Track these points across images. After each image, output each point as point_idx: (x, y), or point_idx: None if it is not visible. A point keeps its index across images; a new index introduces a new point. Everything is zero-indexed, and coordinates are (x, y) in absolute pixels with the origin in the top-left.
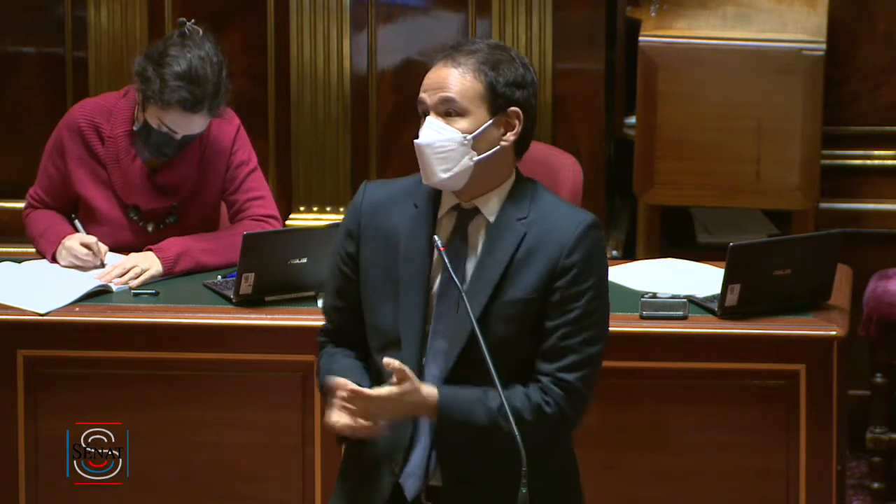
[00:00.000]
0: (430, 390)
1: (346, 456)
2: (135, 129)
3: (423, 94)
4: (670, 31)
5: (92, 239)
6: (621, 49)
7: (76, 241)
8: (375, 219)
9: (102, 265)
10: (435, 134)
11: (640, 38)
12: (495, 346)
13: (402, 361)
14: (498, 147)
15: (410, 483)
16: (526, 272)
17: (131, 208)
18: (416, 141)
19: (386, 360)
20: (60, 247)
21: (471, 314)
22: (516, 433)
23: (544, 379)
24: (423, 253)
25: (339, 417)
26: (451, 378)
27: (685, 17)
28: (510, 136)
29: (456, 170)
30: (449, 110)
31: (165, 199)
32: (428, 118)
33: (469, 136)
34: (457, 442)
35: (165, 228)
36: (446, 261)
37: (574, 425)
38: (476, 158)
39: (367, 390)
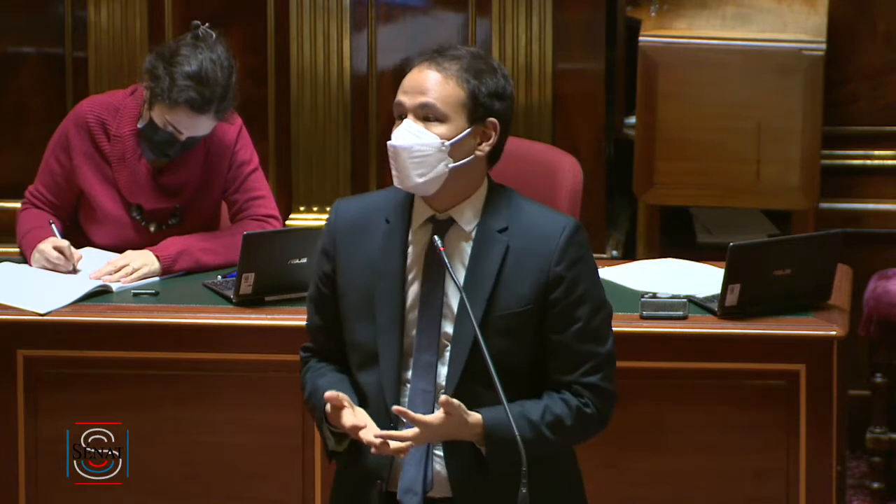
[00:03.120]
0: (475, 416)
1: (337, 474)
2: (140, 126)
3: (401, 97)
4: (670, 31)
5: (65, 243)
6: (621, 49)
7: (49, 245)
8: (349, 238)
9: (75, 270)
10: (412, 137)
11: (640, 38)
12: (495, 359)
13: (381, 376)
14: (472, 156)
15: (409, 499)
16: (517, 284)
17: (134, 207)
18: (390, 143)
19: (443, 398)
20: (34, 250)
21: (473, 319)
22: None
23: (572, 387)
24: (397, 268)
25: (367, 432)
26: (458, 390)
27: (685, 17)
28: (485, 147)
29: (431, 175)
30: (428, 115)
31: (169, 200)
32: (406, 121)
33: (447, 143)
34: (506, 460)
35: (167, 229)
36: (447, 262)
37: (607, 422)
38: (451, 165)
39: (420, 416)
